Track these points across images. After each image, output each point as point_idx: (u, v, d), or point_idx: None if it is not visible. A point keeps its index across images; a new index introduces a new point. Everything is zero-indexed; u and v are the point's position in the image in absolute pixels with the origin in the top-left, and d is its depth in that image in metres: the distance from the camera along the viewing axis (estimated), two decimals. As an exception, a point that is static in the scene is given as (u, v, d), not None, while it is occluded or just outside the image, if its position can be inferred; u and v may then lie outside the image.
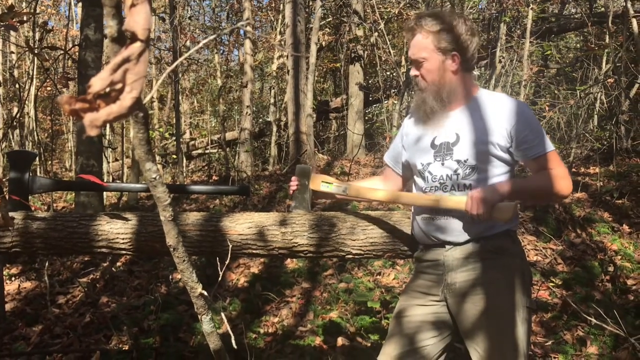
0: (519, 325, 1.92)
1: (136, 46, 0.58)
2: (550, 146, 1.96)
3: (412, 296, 2.10)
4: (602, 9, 9.79)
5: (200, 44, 0.79)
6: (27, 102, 9.72)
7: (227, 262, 1.34)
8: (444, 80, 1.99)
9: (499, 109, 1.97)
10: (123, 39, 0.58)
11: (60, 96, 0.57)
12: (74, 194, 6.87)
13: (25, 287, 4.71)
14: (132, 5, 0.56)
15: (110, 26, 0.58)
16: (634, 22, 4.35)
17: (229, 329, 0.97)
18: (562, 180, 1.96)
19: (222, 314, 1.03)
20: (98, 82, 0.57)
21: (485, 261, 1.97)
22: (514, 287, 1.95)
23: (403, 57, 10.91)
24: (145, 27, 0.57)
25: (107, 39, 0.59)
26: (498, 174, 1.98)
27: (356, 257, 2.39)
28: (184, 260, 0.83)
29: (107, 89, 0.57)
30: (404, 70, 9.76)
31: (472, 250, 1.99)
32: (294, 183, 2.29)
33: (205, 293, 0.90)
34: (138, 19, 0.57)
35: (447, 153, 2.00)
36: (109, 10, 0.57)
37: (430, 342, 2.02)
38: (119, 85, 0.58)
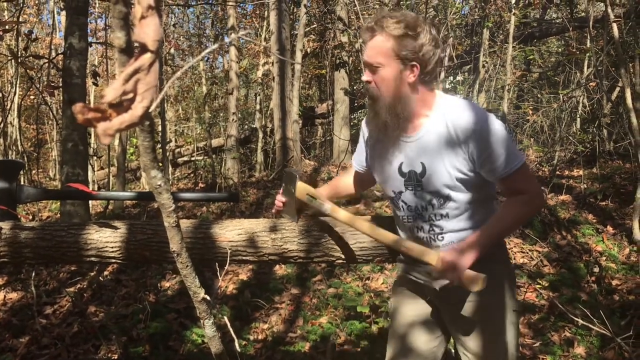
0: (507, 329, 1.93)
1: (147, 57, 0.59)
2: (516, 163, 1.77)
3: (404, 295, 2.09)
4: (583, 14, 9.94)
5: (206, 52, 0.80)
6: (10, 111, 9.63)
7: (226, 268, 1.34)
8: (398, 92, 1.79)
9: (458, 130, 1.76)
10: (131, 50, 0.59)
11: (74, 105, 0.58)
12: (59, 203, 6.81)
13: (11, 298, 4.66)
14: (142, 17, 0.58)
15: (118, 37, 0.59)
16: (614, 26, 4.43)
17: (232, 332, 0.98)
18: (533, 202, 1.86)
19: (226, 318, 1.03)
20: (111, 92, 0.58)
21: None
22: (501, 292, 1.94)
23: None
24: (155, 38, 0.58)
25: (115, 49, 0.60)
26: (474, 199, 1.86)
27: (346, 262, 2.40)
28: (187, 266, 0.84)
29: (120, 99, 0.59)
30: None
31: None
32: (279, 202, 2.22)
33: (208, 298, 0.91)
34: (148, 31, 0.58)
35: (417, 184, 1.87)
36: (117, 22, 0.58)
37: (427, 342, 2.03)
38: (130, 95, 0.59)
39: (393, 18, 1.75)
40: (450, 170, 1.80)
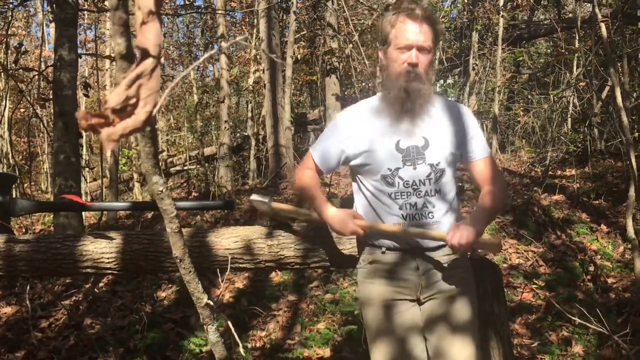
0: (474, 310, 2.04)
1: (149, 62, 0.59)
2: (489, 149, 2.09)
3: (386, 304, 2.03)
4: (570, 15, 10.02)
5: (202, 58, 0.80)
6: (1, 124, 9.60)
7: (226, 275, 1.34)
8: (432, 75, 2.05)
9: (454, 112, 2.04)
10: (131, 56, 0.59)
11: (78, 112, 0.58)
12: (52, 216, 6.78)
13: (5, 313, 4.62)
14: (143, 22, 0.58)
15: (118, 44, 0.59)
16: (602, 26, 4.46)
17: (236, 337, 0.98)
18: (506, 190, 2.13)
19: (229, 323, 1.03)
20: (114, 98, 0.58)
21: (463, 262, 2.04)
22: (472, 276, 2.10)
23: (377, 68, 10.99)
24: (156, 43, 0.58)
25: (115, 56, 0.60)
26: (453, 175, 2.05)
27: (343, 267, 2.40)
28: (190, 272, 0.84)
29: (122, 104, 0.58)
30: (379, 80, 9.83)
31: (450, 252, 2.00)
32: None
33: (212, 303, 0.90)
34: (149, 36, 0.58)
35: (418, 157, 1.95)
36: (117, 28, 0.58)
37: (420, 346, 2.02)
38: (133, 100, 0.59)
39: (432, 12, 2.00)
40: (450, 144, 1.99)
